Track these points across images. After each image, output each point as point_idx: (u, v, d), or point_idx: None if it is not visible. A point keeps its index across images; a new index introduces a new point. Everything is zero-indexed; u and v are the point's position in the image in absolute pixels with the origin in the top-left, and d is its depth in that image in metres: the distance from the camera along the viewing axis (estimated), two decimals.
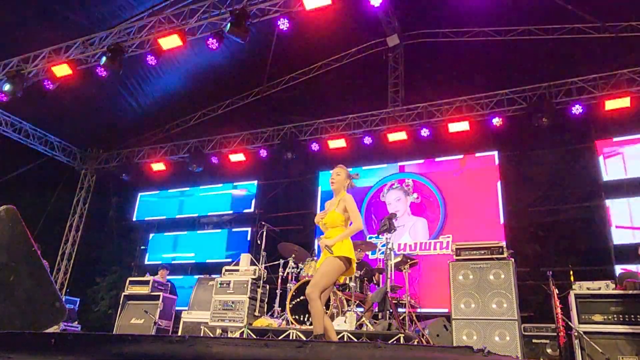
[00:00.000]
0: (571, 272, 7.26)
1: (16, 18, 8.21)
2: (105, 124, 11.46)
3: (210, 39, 7.81)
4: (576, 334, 5.21)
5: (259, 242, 7.27)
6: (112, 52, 8.04)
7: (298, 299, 5.76)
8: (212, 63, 9.96)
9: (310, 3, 6.99)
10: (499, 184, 9.05)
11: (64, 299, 8.40)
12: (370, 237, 9.44)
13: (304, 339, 5.23)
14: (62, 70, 8.51)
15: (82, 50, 8.63)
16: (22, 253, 2.16)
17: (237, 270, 7.01)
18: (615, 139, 8.54)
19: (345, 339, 5.05)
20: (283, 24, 7.51)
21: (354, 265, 3.84)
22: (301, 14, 7.39)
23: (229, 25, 7.24)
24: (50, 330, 2.44)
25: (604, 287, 5.36)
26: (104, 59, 8.08)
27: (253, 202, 11.41)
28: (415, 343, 5.17)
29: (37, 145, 11.22)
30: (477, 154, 9.54)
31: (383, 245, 6.67)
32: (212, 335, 6.42)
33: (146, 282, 8.03)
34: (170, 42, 7.86)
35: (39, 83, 8.89)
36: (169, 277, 9.01)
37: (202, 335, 6.51)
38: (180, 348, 1.25)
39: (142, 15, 8.54)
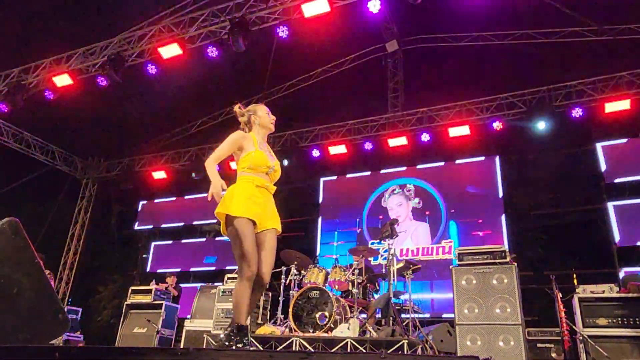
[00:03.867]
0: (574, 276, 7.24)
1: (17, 29, 8.25)
2: (106, 133, 11.48)
3: (210, 47, 7.84)
4: (581, 337, 5.18)
5: None
6: (112, 62, 8.08)
7: (301, 306, 5.74)
8: (212, 71, 9.98)
9: (309, 11, 7.03)
10: (500, 187, 9.05)
11: (66, 309, 8.38)
12: (372, 243, 9.42)
13: (308, 346, 5.21)
14: (63, 80, 8.55)
15: (83, 60, 8.67)
16: (24, 265, 2.17)
17: None
18: (615, 142, 8.54)
19: (348, 346, 5.02)
20: (282, 32, 7.55)
21: None
22: (300, 22, 7.43)
23: (235, 31, 7.27)
24: (54, 341, 2.43)
25: (607, 290, 5.33)
26: (104, 68, 8.12)
27: None
28: (419, 349, 5.15)
29: (39, 155, 11.25)
30: (478, 158, 9.55)
31: (385, 251, 6.65)
32: (215, 344, 6.40)
33: (148, 291, 8.00)
34: (170, 51, 7.91)
35: (40, 93, 8.92)
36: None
37: (204, 344, 6.48)
38: None
39: (142, 24, 8.57)
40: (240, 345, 2.78)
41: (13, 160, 10.89)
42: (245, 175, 3.18)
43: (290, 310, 5.76)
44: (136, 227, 12.74)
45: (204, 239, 11.99)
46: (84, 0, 8.13)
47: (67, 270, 11.53)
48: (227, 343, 2.82)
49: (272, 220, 3.14)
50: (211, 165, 3.15)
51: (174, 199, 12.59)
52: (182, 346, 7.10)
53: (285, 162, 10.28)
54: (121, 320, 8.06)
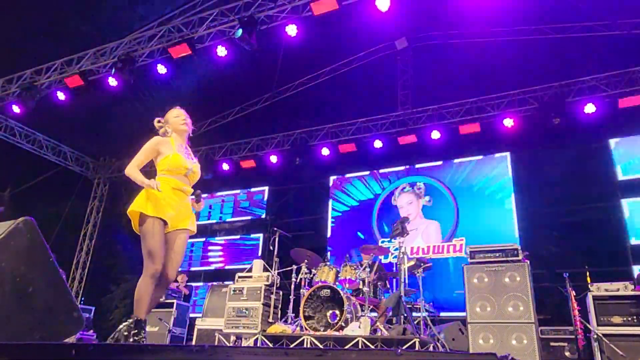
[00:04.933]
0: (588, 274, 7.15)
1: (28, 30, 8.34)
2: (117, 133, 11.54)
3: (219, 47, 7.86)
4: (595, 336, 5.12)
5: (271, 248, 7.27)
6: (122, 62, 8.14)
7: (312, 305, 5.74)
8: (221, 71, 9.99)
9: (318, 9, 7.01)
10: (511, 185, 8.97)
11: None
12: (383, 241, 9.40)
13: (319, 345, 5.21)
14: (74, 81, 8.63)
15: (94, 61, 8.73)
16: (40, 264, 2.19)
17: (250, 277, 7.00)
18: (629, 137, 8.42)
19: (360, 344, 5.01)
20: (291, 30, 7.54)
21: None
22: (309, 20, 7.42)
23: (239, 31, 7.28)
24: (67, 339, 2.45)
25: (622, 288, 5.27)
26: (114, 69, 8.18)
27: (265, 208, 11.43)
28: (431, 348, 5.12)
29: (51, 156, 11.37)
30: (489, 155, 9.47)
31: (396, 249, 6.63)
32: (226, 343, 6.43)
33: None
34: (179, 50, 7.93)
35: (51, 94, 9.01)
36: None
37: (216, 342, 6.51)
38: (200, 357, 1.24)
39: (151, 25, 8.62)
40: (137, 339, 2.95)
41: (26, 161, 11.01)
42: (162, 177, 3.35)
43: (301, 308, 5.77)
44: None
45: (214, 238, 12.04)
46: (94, 1, 8.19)
47: (80, 270, 11.65)
48: (125, 334, 2.92)
49: (184, 221, 3.31)
50: (135, 171, 3.29)
51: None
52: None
53: (296, 161, 10.28)
54: None
